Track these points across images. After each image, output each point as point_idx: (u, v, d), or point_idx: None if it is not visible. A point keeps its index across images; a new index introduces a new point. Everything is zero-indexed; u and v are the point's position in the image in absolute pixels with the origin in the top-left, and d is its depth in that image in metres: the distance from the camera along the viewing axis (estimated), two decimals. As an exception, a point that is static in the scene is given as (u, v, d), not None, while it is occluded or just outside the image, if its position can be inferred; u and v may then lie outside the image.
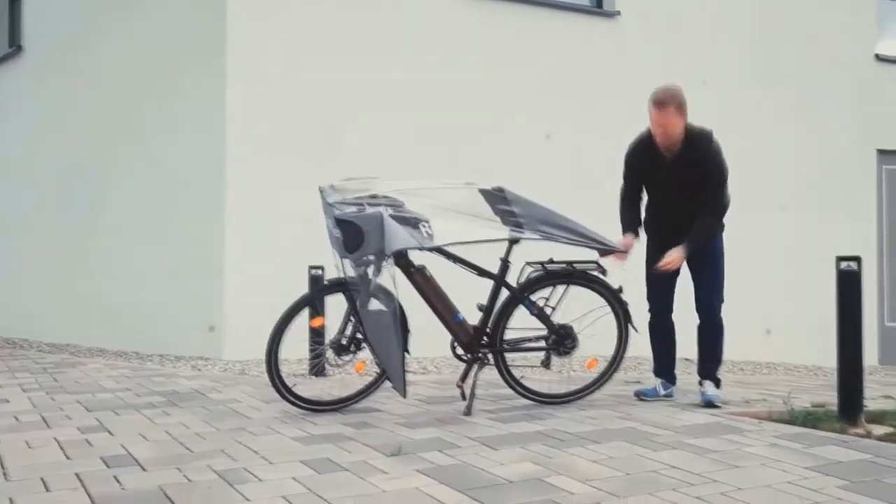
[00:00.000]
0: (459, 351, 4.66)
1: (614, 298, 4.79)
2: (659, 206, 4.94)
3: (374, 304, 4.40)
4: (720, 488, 3.08)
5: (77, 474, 3.27)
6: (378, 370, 4.64)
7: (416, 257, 4.56)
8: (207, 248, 7.43)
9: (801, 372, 8.13)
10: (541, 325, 4.72)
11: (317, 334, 5.32)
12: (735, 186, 4.88)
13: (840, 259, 4.39)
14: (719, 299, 4.85)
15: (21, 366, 6.83)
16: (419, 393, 5.19)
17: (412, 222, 4.35)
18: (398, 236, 4.28)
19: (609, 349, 4.89)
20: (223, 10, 7.35)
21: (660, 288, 4.92)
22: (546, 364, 4.78)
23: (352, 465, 3.38)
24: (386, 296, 4.40)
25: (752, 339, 8.36)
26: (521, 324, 4.71)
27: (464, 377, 4.65)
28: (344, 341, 4.51)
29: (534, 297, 4.70)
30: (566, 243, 4.65)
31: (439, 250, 4.49)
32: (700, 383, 4.87)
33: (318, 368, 5.66)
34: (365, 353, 4.56)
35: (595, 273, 4.77)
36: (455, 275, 4.60)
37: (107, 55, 8.79)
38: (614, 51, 8.82)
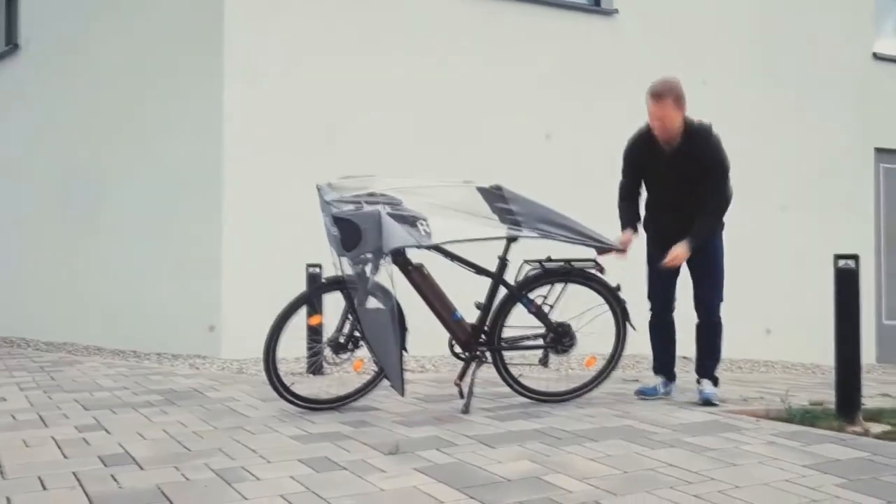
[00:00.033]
0: (457, 349, 4.65)
1: (612, 296, 4.79)
2: (659, 202, 4.93)
3: (372, 303, 4.40)
4: (718, 486, 3.08)
5: (74, 473, 3.27)
6: (376, 368, 4.64)
7: (414, 255, 4.55)
8: (205, 247, 7.43)
9: (799, 370, 8.14)
10: (539, 324, 4.71)
11: (315, 333, 5.32)
12: (735, 186, 4.87)
13: (838, 257, 4.40)
14: (719, 298, 4.84)
15: (18, 364, 6.82)
16: (417, 391, 5.19)
17: (410, 220, 4.34)
18: (396, 234, 4.27)
19: (607, 347, 4.89)
20: (221, 9, 7.34)
21: (661, 286, 4.90)
22: (544, 362, 4.78)
23: (350, 464, 3.38)
24: (384, 294, 4.39)
25: (752, 338, 8.36)
26: (520, 322, 4.71)
27: (462, 375, 4.65)
28: (342, 339, 4.51)
29: (532, 296, 4.69)
30: (564, 241, 4.65)
31: (437, 248, 4.49)
32: (698, 381, 4.87)
33: (315, 367, 5.66)
34: (363, 352, 4.56)
35: (593, 271, 4.76)
36: (453, 273, 4.60)
37: (106, 55, 8.78)
38: (613, 49, 8.82)
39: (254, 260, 7.20)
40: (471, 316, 4.64)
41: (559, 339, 4.71)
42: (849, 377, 4.35)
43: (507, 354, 4.72)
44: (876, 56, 10.57)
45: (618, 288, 4.79)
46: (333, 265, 4.45)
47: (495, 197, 4.60)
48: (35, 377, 6.00)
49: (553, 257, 4.72)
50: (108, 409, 4.66)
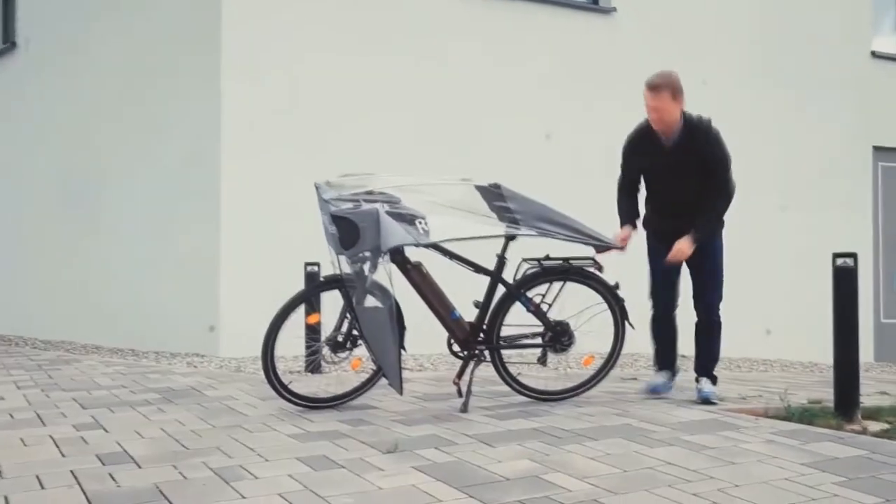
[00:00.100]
0: (456, 348, 4.65)
1: (611, 295, 4.78)
2: (659, 199, 4.91)
3: (371, 301, 4.39)
4: (717, 485, 3.08)
5: (72, 472, 3.26)
6: (374, 367, 4.63)
7: (413, 254, 4.55)
8: (204, 246, 7.42)
9: (798, 369, 8.14)
10: (537, 322, 4.71)
11: (313, 331, 5.32)
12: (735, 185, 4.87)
13: (836, 256, 4.40)
14: (718, 297, 4.83)
15: (16, 363, 6.81)
16: (415, 390, 5.18)
17: (408, 219, 4.33)
18: (394, 233, 4.26)
19: (605, 346, 4.88)
20: (219, 9, 7.34)
21: (663, 284, 4.87)
22: (543, 361, 4.77)
23: (348, 463, 3.37)
24: (382, 292, 4.38)
25: (751, 337, 8.37)
26: (518, 321, 4.70)
27: (460, 374, 4.64)
28: (340, 338, 4.50)
29: (530, 294, 4.68)
30: (563, 240, 4.64)
31: (435, 247, 4.48)
32: (697, 380, 4.86)
33: (314, 365, 5.65)
34: (361, 350, 4.55)
35: (591, 270, 4.75)
36: (451, 271, 4.59)
37: (106, 55, 8.77)
38: (611, 48, 8.82)
39: (252, 259, 7.20)
40: (469, 314, 4.64)
41: (558, 337, 4.70)
42: (847, 375, 4.35)
43: (505, 353, 4.72)
44: (874, 54, 10.58)
45: (616, 286, 4.79)
46: (332, 264, 4.44)
47: (494, 195, 4.59)
48: (33, 375, 5.99)
49: (551, 256, 4.72)
50: (106, 407, 4.66)
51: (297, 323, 4.73)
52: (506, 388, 4.78)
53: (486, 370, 4.76)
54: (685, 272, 4.86)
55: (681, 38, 8.95)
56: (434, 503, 2.87)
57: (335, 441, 3.75)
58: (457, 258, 4.57)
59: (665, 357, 5.05)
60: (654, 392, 4.98)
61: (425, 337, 4.69)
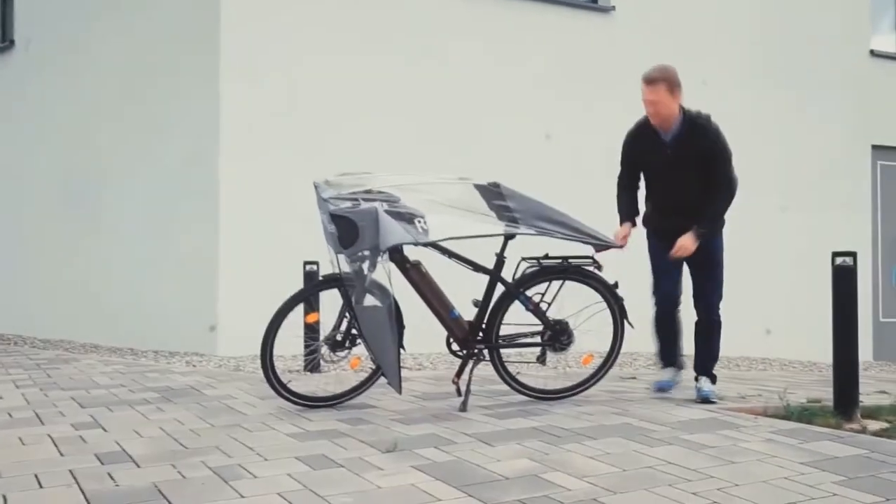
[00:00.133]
0: (455, 347, 4.64)
1: (610, 294, 4.78)
2: (659, 196, 4.89)
3: (370, 300, 4.38)
4: (716, 484, 3.07)
5: (71, 471, 3.26)
6: (373, 366, 4.62)
7: (412, 253, 4.54)
8: (203, 246, 7.43)
9: (797, 368, 8.14)
10: (536, 321, 4.70)
11: (312, 330, 5.31)
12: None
13: (836, 255, 4.39)
14: (718, 297, 4.82)
15: (14, 362, 6.80)
16: (414, 389, 5.18)
17: (407, 217, 4.32)
18: (393, 231, 4.26)
19: (605, 345, 4.88)
20: (217, 9, 7.33)
21: (665, 281, 4.84)
22: (542, 360, 4.77)
23: (347, 462, 3.37)
24: (381, 291, 4.38)
25: (751, 337, 8.36)
26: (517, 320, 4.70)
27: (459, 373, 4.64)
28: (339, 337, 4.50)
29: (529, 293, 4.68)
30: (562, 239, 4.63)
31: (434, 246, 4.48)
32: (696, 379, 4.86)
33: (313, 364, 5.65)
34: (360, 349, 4.55)
35: (590, 268, 4.75)
36: (450, 270, 4.59)
37: (106, 55, 8.76)
38: (610, 47, 8.81)
39: (251, 258, 7.20)
40: (468, 313, 4.63)
41: (557, 336, 4.70)
42: (846, 374, 4.35)
43: (504, 352, 4.71)
44: (873, 53, 10.58)
45: (615, 285, 4.78)
46: (331, 262, 4.43)
47: (493, 194, 4.58)
48: (31, 374, 5.98)
49: (551, 255, 4.71)
50: (105, 406, 4.65)
51: (295, 322, 4.72)
52: (505, 387, 4.77)
53: (485, 369, 4.75)
54: (686, 270, 4.85)
55: (681, 39, 8.94)
56: (433, 502, 2.87)
57: (334, 440, 3.75)
58: (456, 257, 4.56)
59: (669, 353, 5.03)
60: (662, 390, 4.96)
61: (424, 336, 4.69)
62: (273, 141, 7.38)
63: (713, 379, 4.86)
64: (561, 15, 8.76)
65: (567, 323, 4.71)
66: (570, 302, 4.67)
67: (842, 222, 9.75)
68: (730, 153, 4.69)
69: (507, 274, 4.65)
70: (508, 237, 4.60)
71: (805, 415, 4.23)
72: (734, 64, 9.36)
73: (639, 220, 4.98)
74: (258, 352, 4.42)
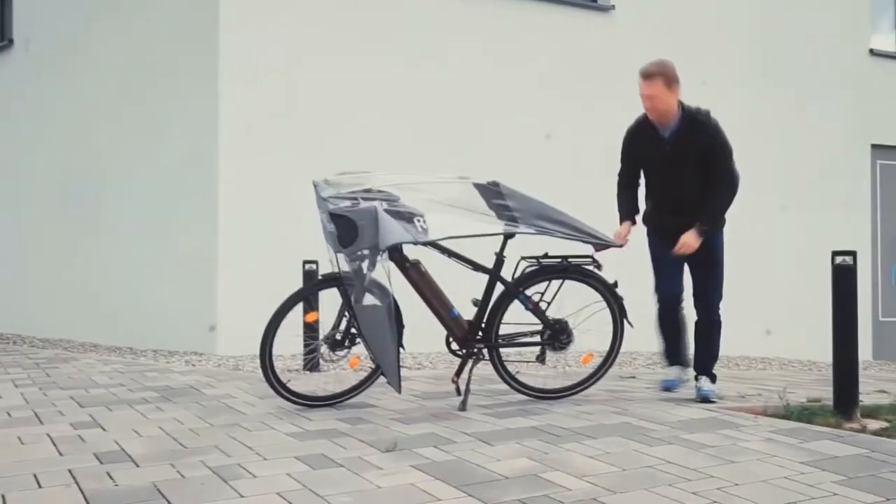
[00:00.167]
0: (454, 346, 4.63)
1: (609, 293, 4.77)
2: (659, 193, 4.87)
3: (369, 299, 4.38)
4: (716, 483, 3.07)
5: (70, 471, 3.25)
6: (372, 365, 4.62)
7: (411, 252, 4.54)
8: (202, 246, 7.42)
9: (796, 367, 8.14)
10: (536, 321, 4.70)
11: (311, 329, 5.31)
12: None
13: (836, 254, 4.39)
14: (718, 296, 4.81)
15: (13, 361, 6.79)
16: (414, 388, 5.17)
17: (406, 217, 4.32)
18: (393, 231, 4.25)
19: (604, 344, 4.88)
20: (216, 9, 7.33)
21: (667, 278, 4.81)
22: (541, 359, 4.77)
23: (346, 461, 3.36)
24: (380, 291, 4.37)
25: (751, 337, 8.36)
26: (517, 319, 4.69)
27: (459, 372, 4.64)
28: (338, 336, 4.49)
29: (529, 292, 4.67)
30: (561, 238, 4.63)
31: (434, 245, 4.47)
32: (696, 378, 4.85)
33: (312, 364, 5.65)
34: (359, 349, 4.54)
35: (590, 268, 4.74)
36: (450, 269, 4.58)
37: (106, 55, 8.76)
38: (610, 47, 8.81)
39: (250, 258, 7.20)
40: (468, 313, 4.63)
41: (556, 335, 4.69)
42: (846, 373, 4.34)
43: (504, 351, 4.71)
44: (872, 52, 10.58)
45: (615, 284, 4.78)
46: (330, 262, 4.42)
47: (492, 193, 4.58)
48: (30, 374, 5.98)
49: (550, 254, 4.71)
50: (104, 405, 4.65)
51: (295, 321, 4.71)
52: (504, 387, 4.77)
53: (484, 368, 4.75)
54: (686, 270, 4.84)
55: (680, 38, 8.94)
56: (433, 502, 2.86)
57: (334, 440, 3.74)
58: (455, 256, 4.56)
59: (673, 352, 5.00)
60: (668, 389, 4.94)
61: (424, 335, 4.68)
62: (272, 141, 7.38)
63: (713, 378, 4.86)
64: (561, 14, 8.75)
65: (566, 322, 4.71)
66: (570, 301, 4.66)
67: (841, 221, 9.75)
68: (730, 148, 4.67)
69: (507, 273, 4.65)
70: (508, 236, 4.59)
71: (805, 414, 4.23)
72: (734, 63, 9.36)
73: (638, 218, 4.96)
74: (257, 351, 4.42)
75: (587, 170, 7.91)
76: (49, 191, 9.48)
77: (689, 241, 4.62)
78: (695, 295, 4.84)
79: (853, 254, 4.36)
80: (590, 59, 8.74)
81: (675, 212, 4.71)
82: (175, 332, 7.54)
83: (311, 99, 7.54)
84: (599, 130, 7.59)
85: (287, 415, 4.33)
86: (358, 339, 4.48)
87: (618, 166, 5.01)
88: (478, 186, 4.60)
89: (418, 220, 4.34)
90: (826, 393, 4.71)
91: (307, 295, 4.88)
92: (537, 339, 4.71)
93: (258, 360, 4.47)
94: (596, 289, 4.76)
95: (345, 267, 4.36)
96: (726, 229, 4.86)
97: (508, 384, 4.74)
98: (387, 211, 4.26)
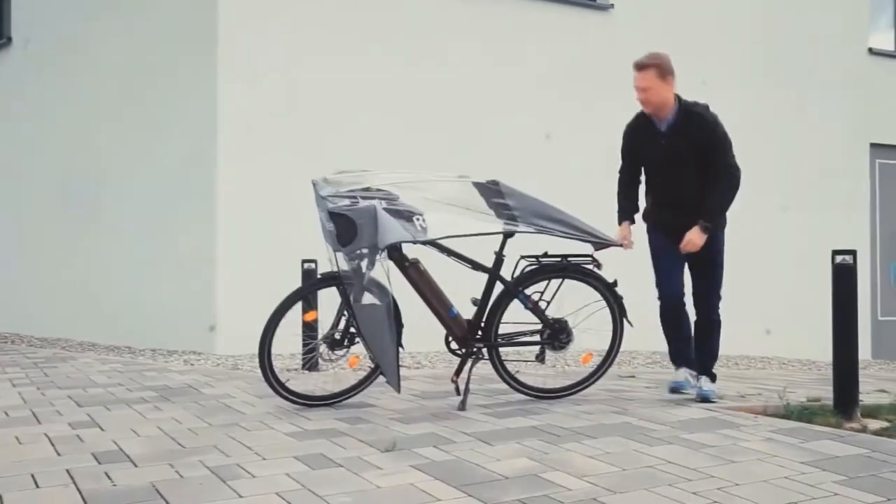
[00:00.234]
0: (454, 346, 4.62)
1: (609, 292, 4.76)
2: (658, 189, 4.83)
3: (368, 299, 4.37)
4: (717, 483, 3.06)
5: (68, 470, 3.24)
6: (372, 365, 4.61)
7: (410, 251, 4.53)
8: (201, 245, 7.42)
9: (796, 366, 8.13)
10: (535, 320, 4.69)
11: (310, 329, 5.30)
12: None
13: (836, 253, 4.38)
14: (718, 296, 4.79)
15: (11, 360, 6.78)
16: (413, 388, 5.16)
17: (406, 215, 4.31)
18: (392, 229, 4.24)
19: (604, 343, 4.87)
20: (215, 10, 7.32)
21: (668, 276, 4.76)
22: (541, 359, 4.76)
23: (346, 461, 3.35)
24: (380, 290, 4.36)
25: (752, 337, 8.36)
26: (516, 318, 4.68)
27: (458, 372, 4.63)
28: (337, 336, 4.48)
29: (528, 291, 4.66)
30: (561, 237, 4.62)
31: (433, 244, 4.46)
32: (696, 378, 4.84)
33: (311, 363, 5.64)
34: (359, 348, 4.53)
35: (590, 267, 4.73)
36: (449, 269, 4.57)
37: (106, 55, 8.76)
38: (609, 46, 8.79)
39: (249, 258, 7.20)
40: (467, 312, 4.62)
41: (556, 335, 4.68)
42: (846, 373, 4.34)
43: (503, 351, 4.70)
44: (871, 51, 10.58)
45: (615, 283, 4.77)
46: (329, 261, 4.41)
47: (492, 192, 4.57)
48: (28, 373, 5.96)
49: (550, 253, 4.70)
50: (102, 405, 4.63)
51: (294, 321, 4.71)
52: (504, 386, 4.76)
53: (484, 368, 4.74)
54: (686, 268, 4.82)
55: (681, 37, 8.91)
56: (433, 502, 2.85)
57: (333, 439, 3.73)
58: (455, 255, 4.54)
59: (681, 353, 4.88)
60: (675, 391, 4.85)
61: (423, 334, 4.68)
62: (272, 141, 7.38)
63: (713, 378, 4.84)
64: (560, 14, 8.75)
65: (566, 321, 4.70)
66: (570, 300, 4.66)
67: (842, 221, 9.75)
68: (730, 141, 4.63)
69: (507, 272, 4.64)
70: (507, 235, 4.58)
71: (805, 414, 4.22)
72: (734, 63, 9.35)
73: (638, 216, 4.94)
74: (256, 350, 4.41)
75: (587, 170, 7.90)
76: (49, 190, 9.47)
77: (694, 238, 4.60)
78: (694, 294, 4.82)
79: (853, 253, 4.36)
80: (589, 59, 8.73)
81: (676, 209, 4.69)
82: (174, 332, 7.54)
83: (310, 99, 7.53)
84: (599, 130, 7.59)
85: (286, 414, 4.32)
86: (357, 339, 4.47)
87: (618, 166, 4.99)
88: (477, 185, 4.59)
89: (417, 219, 4.33)
90: (826, 392, 4.70)
91: (306, 294, 4.87)
92: (537, 338, 4.70)
93: (257, 360, 4.46)
94: (596, 288, 4.75)
95: (344, 266, 4.35)
96: (727, 229, 4.84)
97: (508, 384, 4.73)
98: (386, 210, 4.25)
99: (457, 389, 4.56)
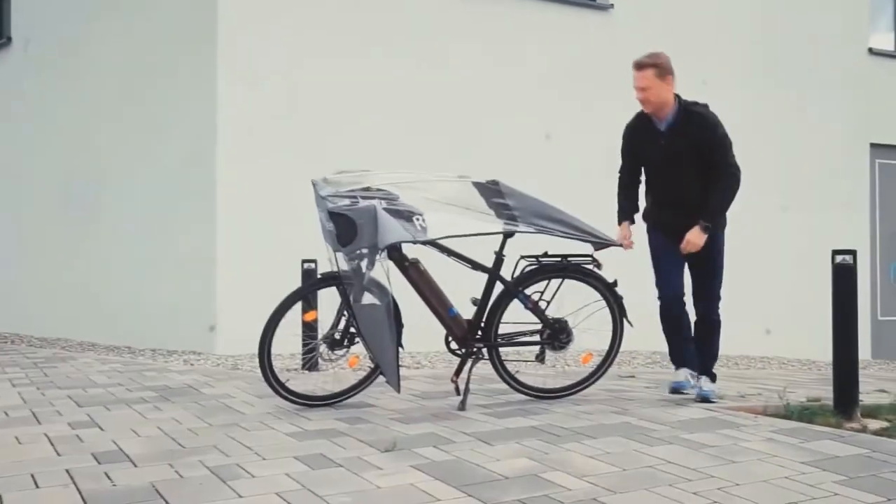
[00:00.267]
0: (454, 345, 4.62)
1: (609, 292, 4.76)
2: (658, 189, 4.82)
3: (368, 298, 4.37)
4: (717, 483, 3.06)
5: (67, 471, 3.24)
6: (371, 365, 4.61)
7: (410, 251, 4.52)
8: (201, 246, 7.42)
9: (795, 366, 8.13)
10: (535, 320, 4.69)
11: (310, 329, 5.30)
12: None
13: (836, 253, 4.38)
14: (718, 296, 4.79)
15: (11, 360, 6.78)
16: (413, 388, 5.16)
17: (406, 215, 4.30)
18: (392, 229, 4.24)
19: (604, 343, 4.86)
20: (215, 10, 7.32)
21: (668, 276, 4.74)
22: (541, 359, 4.75)
23: (346, 461, 3.35)
24: (379, 290, 4.36)
25: (752, 337, 8.35)
26: (516, 318, 4.68)
27: (458, 372, 4.62)
28: (337, 336, 4.48)
29: (528, 291, 4.66)
30: (561, 237, 4.62)
31: (433, 244, 4.46)
32: (696, 378, 4.84)
33: (311, 363, 5.64)
34: (358, 348, 4.53)
35: (590, 267, 4.73)
36: (449, 268, 4.57)
37: (106, 55, 8.76)
38: (609, 46, 8.79)
39: (249, 258, 7.20)
40: (467, 312, 4.62)
41: (556, 335, 4.68)
42: (846, 373, 4.33)
43: (503, 351, 4.70)
44: (871, 51, 10.58)
45: (615, 283, 4.76)
46: (329, 261, 4.41)
47: (492, 192, 4.57)
48: (28, 373, 5.96)
49: (550, 253, 4.69)
50: (102, 405, 4.63)
51: (294, 321, 4.71)
52: (504, 386, 4.76)
53: (484, 368, 4.74)
54: (686, 268, 4.82)
55: (681, 37, 8.90)
56: (432, 502, 2.85)
57: (333, 439, 3.73)
58: (454, 255, 4.54)
59: (681, 353, 4.85)
60: (676, 391, 4.81)
61: (423, 334, 4.67)
62: (273, 143, 7.38)
63: (713, 378, 4.84)
64: (560, 14, 8.75)
65: (566, 321, 4.70)
66: (570, 300, 4.65)
67: (842, 221, 9.75)
68: (730, 141, 4.62)
69: (507, 272, 4.64)
70: (507, 235, 4.58)
71: (805, 414, 4.22)
72: (734, 63, 9.35)
73: (638, 216, 4.94)
74: (256, 350, 4.41)
75: (587, 170, 7.89)
76: (49, 191, 9.47)
77: (695, 239, 4.60)
78: (694, 295, 4.81)
79: (853, 253, 4.35)
80: (589, 59, 8.73)
81: (676, 209, 4.68)
82: (174, 332, 7.54)
83: (312, 101, 7.53)
84: (599, 130, 7.59)
85: (286, 414, 4.32)
86: (357, 339, 4.47)
87: (618, 165, 4.98)
88: (477, 185, 4.59)
89: (417, 219, 4.33)
90: (826, 392, 4.70)
91: (306, 294, 4.87)
92: (537, 338, 4.70)
93: (257, 360, 4.46)
94: (595, 288, 4.75)
95: (344, 266, 4.35)
96: (727, 229, 4.84)
97: (508, 384, 4.73)
98: (386, 210, 4.25)
99: (457, 389, 4.55)
